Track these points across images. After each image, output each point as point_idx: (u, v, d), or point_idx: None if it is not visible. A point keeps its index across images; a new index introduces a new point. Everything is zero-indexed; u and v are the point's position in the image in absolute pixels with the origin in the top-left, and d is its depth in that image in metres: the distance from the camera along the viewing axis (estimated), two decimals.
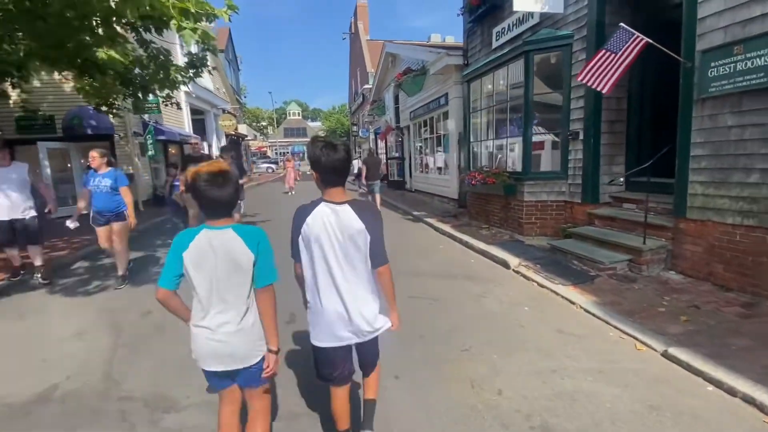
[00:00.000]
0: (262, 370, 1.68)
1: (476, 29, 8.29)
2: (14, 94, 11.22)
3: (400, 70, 13.09)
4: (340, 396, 1.92)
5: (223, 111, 20.74)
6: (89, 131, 10.81)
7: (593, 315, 3.59)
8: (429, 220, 8.57)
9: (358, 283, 1.83)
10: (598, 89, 4.27)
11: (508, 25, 6.98)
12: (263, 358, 1.68)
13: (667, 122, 4.62)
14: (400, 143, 15.67)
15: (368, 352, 1.98)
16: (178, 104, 8.18)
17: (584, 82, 4.33)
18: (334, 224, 1.74)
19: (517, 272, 4.87)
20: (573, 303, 3.86)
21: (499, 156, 7.33)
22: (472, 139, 8.15)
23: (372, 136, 23.21)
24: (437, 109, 11.08)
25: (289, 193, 16.43)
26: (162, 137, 12.39)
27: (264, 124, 53.68)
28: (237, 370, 1.65)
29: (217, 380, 1.71)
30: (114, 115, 8.20)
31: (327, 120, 62.63)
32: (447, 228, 7.59)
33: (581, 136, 5.58)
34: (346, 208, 1.75)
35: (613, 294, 3.97)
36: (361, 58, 27.05)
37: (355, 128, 23.88)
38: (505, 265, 5.15)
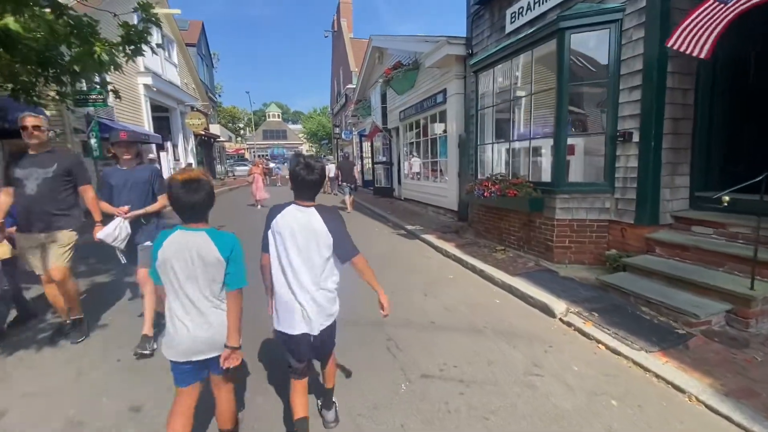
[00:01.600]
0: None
1: (483, 12, 7.00)
2: None
3: (389, 65, 11.73)
4: (298, 389, 2.05)
5: (192, 108, 18.86)
6: (14, 127, 8.92)
7: (723, 417, 2.25)
8: (427, 236, 7.18)
9: (314, 278, 1.98)
10: (694, 54, 3.14)
11: (528, 4, 5.70)
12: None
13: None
14: (388, 146, 14.28)
15: (324, 344, 2.10)
16: (116, 93, 6.46)
17: (675, 47, 3.15)
18: (300, 224, 1.94)
19: (568, 324, 3.51)
20: (681, 390, 2.51)
21: (517, 162, 6.03)
22: (479, 142, 6.83)
23: (356, 139, 21.77)
24: (432, 108, 9.74)
25: (257, 206, 12.75)
26: (106, 135, 10.55)
27: (241, 125, 51.38)
28: (210, 359, 1.77)
29: (190, 372, 1.80)
30: (34, 105, 6.48)
31: (308, 122, 60.62)
32: (451, 248, 6.21)
33: (635, 138, 4.31)
34: (313, 211, 1.98)
35: (729, 370, 2.65)
36: (344, 57, 25.63)
37: (337, 130, 22.41)
38: (547, 311, 3.79)
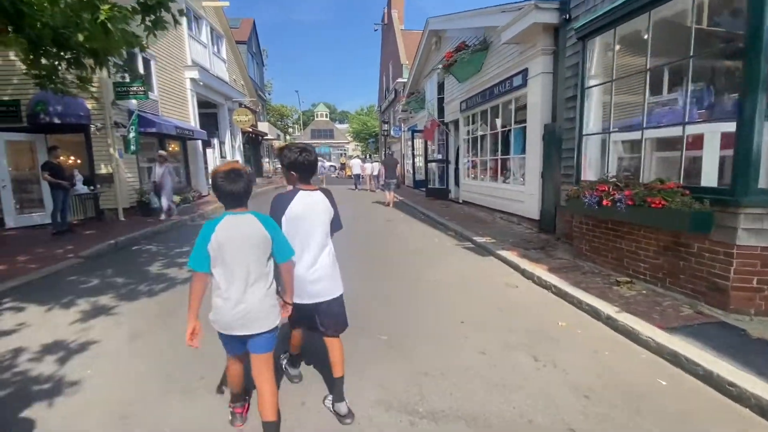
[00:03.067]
0: (273, 339, 2.00)
1: None
2: None
3: (451, 49, 10.17)
4: (331, 345, 2.34)
5: (240, 105, 18.47)
6: (56, 120, 8.51)
7: None
8: (504, 254, 5.60)
9: (327, 249, 2.31)
10: None
11: None
12: (275, 328, 1.99)
13: None
14: (444, 142, 12.71)
15: (337, 312, 2.35)
16: (133, 72, 5.52)
17: None
18: (312, 205, 2.21)
19: None
20: None
21: (652, 159, 4.29)
22: (584, 131, 5.12)
23: (405, 135, 20.35)
24: (505, 94, 8.07)
25: None
26: (152, 129, 9.99)
27: (290, 122, 51.96)
28: (253, 336, 1.92)
29: (237, 344, 1.99)
30: (61, 93, 5.80)
31: (353, 121, 60.19)
32: (545, 274, 4.60)
33: None
34: (318, 193, 2.27)
35: None
36: (395, 50, 24.31)
37: (385, 127, 21.12)
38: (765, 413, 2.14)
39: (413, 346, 3.08)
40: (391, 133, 21.61)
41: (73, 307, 4.06)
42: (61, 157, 8.84)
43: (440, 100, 12.55)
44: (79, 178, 8.69)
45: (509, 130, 8.28)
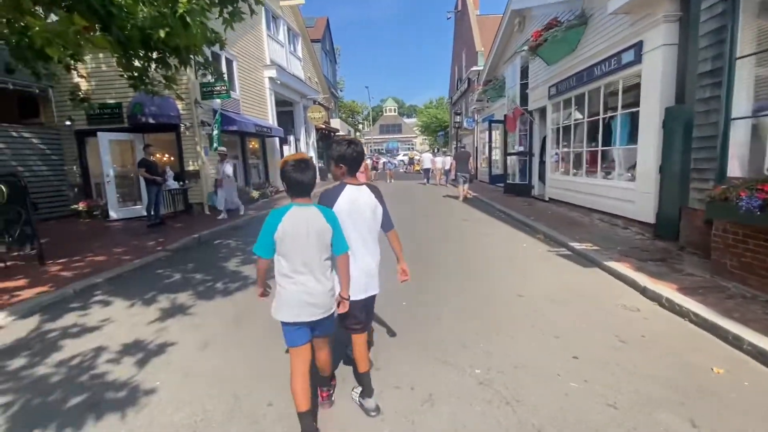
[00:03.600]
0: (334, 320, 2.12)
1: None
2: (84, 84, 10.32)
3: (539, 28, 9.05)
4: (363, 340, 2.32)
5: (314, 102, 18.87)
6: (151, 120, 9.21)
7: None
8: (614, 266, 4.64)
9: (376, 245, 2.31)
10: None
11: None
12: (334, 311, 2.08)
13: None
14: (526, 133, 11.54)
15: (373, 307, 2.46)
16: (208, 64, 5.48)
17: None
18: (359, 201, 2.20)
19: None
20: None
21: None
22: (731, 115, 3.97)
23: (479, 126, 19.19)
24: (611, 74, 6.87)
25: None
26: (233, 127, 10.42)
27: (360, 118, 52.83)
28: (318, 321, 1.99)
29: (301, 333, 1.99)
30: (152, 94, 6.11)
31: (422, 115, 59.29)
32: (679, 297, 3.62)
33: None
34: (365, 188, 2.26)
35: None
36: (469, 38, 23.06)
37: (457, 119, 20.12)
38: None
39: (514, 388, 2.47)
40: (464, 124, 20.54)
41: (154, 304, 4.11)
42: (157, 155, 9.60)
43: (523, 87, 11.39)
44: (170, 174, 9.35)
45: (613, 117, 7.06)
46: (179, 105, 9.59)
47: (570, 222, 7.62)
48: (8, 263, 5.36)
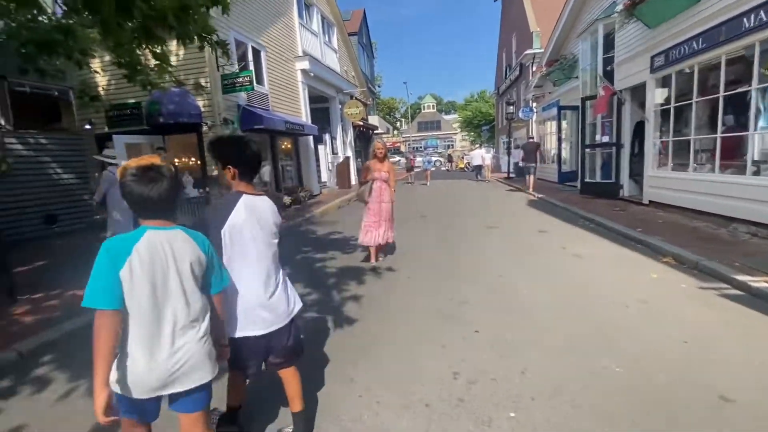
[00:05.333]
0: (210, 391, 1.55)
1: None
2: (102, 81, 9.47)
3: None
4: (291, 375, 1.99)
5: (351, 97, 17.49)
6: (170, 120, 8.10)
7: None
8: None
9: (277, 264, 1.96)
10: None
11: None
12: (209, 382, 1.51)
13: None
14: (611, 121, 9.29)
15: (295, 334, 2.04)
16: (220, 45, 3.98)
17: None
18: (260, 212, 1.84)
19: None
20: None
21: None
22: None
23: (538, 115, 16.86)
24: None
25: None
26: (260, 125, 9.13)
27: (398, 116, 51.29)
28: (186, 392, 1.43)
29: (153, 407, 1.45)
30: (150, 86, 4.88)
31: (463, 110, 56.51)
32: None
33: None
34: (265, 198, 1.89)
35: None
36: (520, 19, 20.69)
37: (510, 109, 17.90)
38: None
39: None
40: (519, 115, 18.24)
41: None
42: (175, 160, 8.51)
43: (605, 63, 9.18)
44: (189, 180, 8.18)
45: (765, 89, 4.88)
46: (200, 102, 8.44)
47: (701, 236, 5.48)
48: None
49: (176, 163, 7.45)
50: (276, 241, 1.93)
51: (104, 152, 6.04)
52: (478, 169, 17.50)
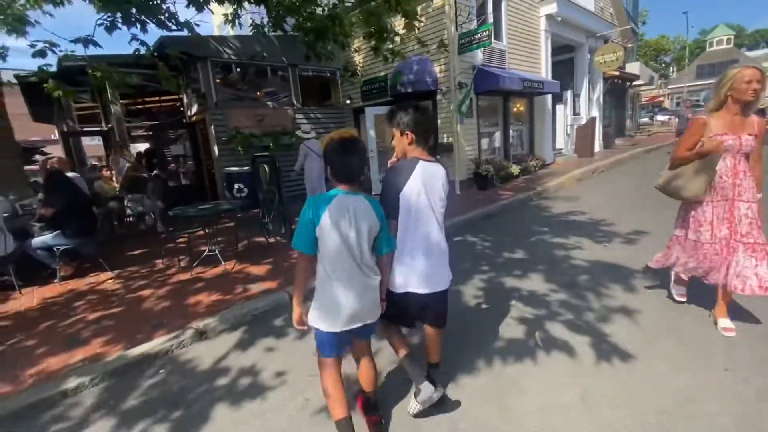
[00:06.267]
0: (375, 328, 1.92)
1: None
2: (359, 59, 10.66)
3: None
4: (437, 333, 2.15)
5: (605, 41, 14.02)
6: (409, 89, 8.37)
7: None
8: None
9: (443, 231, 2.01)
10: None
11: None
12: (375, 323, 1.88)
13: None
14: None
15: (445, 303, 2.11)
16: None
17: None
18: (433, 179, 1.89)
19: None
20: None
21: None
22: None
23: None
24: None
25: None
26: (494, 86, 8.28)
27: (668, 59, 39.46)
28: (364, 326, 1.79)
29: (347, 339, 1.83)
30: (393, 56, 4.90)
31: None
32: None
33: None
34: (438, 165, 1.93)
35: None
36: None
37: None
38: None
39: None
40: None
41: None
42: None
43: None
44: None
45: None
46: (437, 67, 8.33)
47: None
48: (270, 239, 5.50)
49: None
50: (443, 209, 1.95)
51: (301, 129, 7.05)
52: None
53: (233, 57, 8.64)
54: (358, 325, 1.75)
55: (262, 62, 8.86)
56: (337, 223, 1.63)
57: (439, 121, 8.62)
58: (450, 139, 8.47)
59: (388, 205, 1.84)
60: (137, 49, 4.52)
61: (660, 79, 36.57)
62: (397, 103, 1.98)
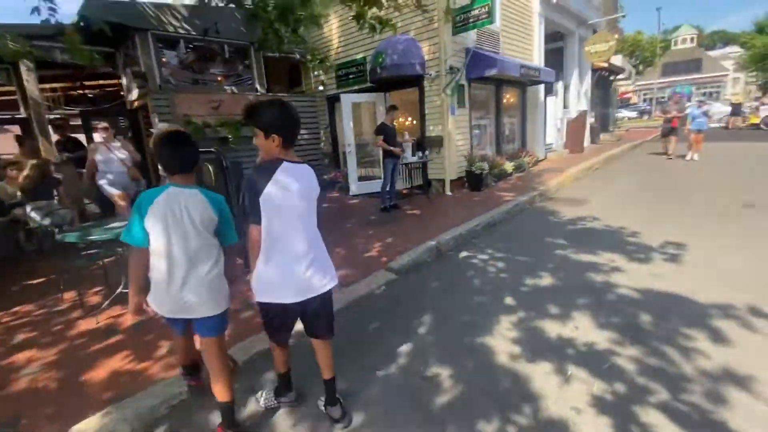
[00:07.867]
0: (223, 323, 1.85)
1: None
2: (334, 43, 9.34)
3: None
4: (324, 345, 2.00)
5: (594, 31, 13.32)
6: (391, 72, 7.17)
7: None
8: None
9: (317, 232, 1.91)
10: None
11: None
12: (225, 312, 1.84)
13: None
14: None
15: (329, 309, 2.01)
16: None
17: None
18: (301, 179, 1.76)
19: None
20: None
21: None
22: None
23: None
24: None
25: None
26: (492, 71, 7.22)
27: (647, 54, 40.08)
28: (194, 319, 1.79)
29: (180, 324, 1.90)
30: (382, 25, 3.74)
31: (754, 40, 38.38)
32: None
33: None
34: (305, 167, 1.80)
35: None
36: None
37: None
38: None
39: None
40: None
41: None
42: (399, 119, 7.70)
43: None
44: (408, 143, 7.16)
45: None
46: (425, 49, 7.19)
47: None
48: None
49: (393, 122, 6.48)
50: (315, 210, 1.85)
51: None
52: None
53: (181, 31, 7.17)
54: (186, 316, 1.77)
55: (219, 38, 7.41)
56: (164, 216, 1.65)
57: (426, 110, 7.50)
58: (439, 127, 7.36)
59: (247, 209, 1.72)
60: (47, 19, 3.76)
61: (637, 75, 36.97)
62: (258, 101, 1.76)
